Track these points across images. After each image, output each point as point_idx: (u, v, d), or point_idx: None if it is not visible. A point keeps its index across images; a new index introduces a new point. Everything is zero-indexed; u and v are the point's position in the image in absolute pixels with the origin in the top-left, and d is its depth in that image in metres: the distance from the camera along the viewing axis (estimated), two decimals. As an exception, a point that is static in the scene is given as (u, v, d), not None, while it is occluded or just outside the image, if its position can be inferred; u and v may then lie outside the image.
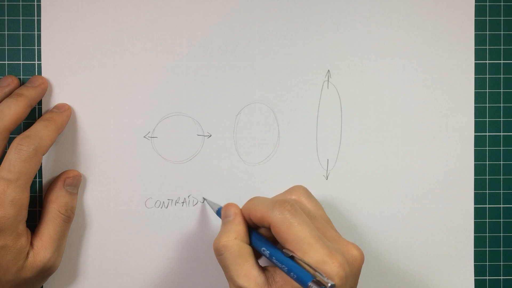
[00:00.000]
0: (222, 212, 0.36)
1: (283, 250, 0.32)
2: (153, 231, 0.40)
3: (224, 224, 0.35)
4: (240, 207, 0.35)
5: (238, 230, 0.34)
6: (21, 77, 0.39)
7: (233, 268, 0.32)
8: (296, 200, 0.35)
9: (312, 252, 0.31)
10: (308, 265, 0.30)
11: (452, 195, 0.40)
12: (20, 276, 0.35)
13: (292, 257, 0.31)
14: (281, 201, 0.33)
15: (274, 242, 0.34)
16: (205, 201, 0.40)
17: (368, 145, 0.40)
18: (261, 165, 0.40)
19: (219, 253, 0.33)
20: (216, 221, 0.40)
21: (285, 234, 0.32)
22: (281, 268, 0.32)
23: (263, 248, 0.33)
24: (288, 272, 0.31)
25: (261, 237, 0.34)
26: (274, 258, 0.32)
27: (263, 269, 0.33)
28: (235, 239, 0.33)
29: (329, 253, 0.31)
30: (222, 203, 0.40)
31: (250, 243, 0.34)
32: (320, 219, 0.34)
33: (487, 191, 0.41)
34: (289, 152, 0.40)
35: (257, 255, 0.34)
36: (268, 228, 0.33)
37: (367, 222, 0.40)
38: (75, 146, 0.39)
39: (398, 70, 0.40)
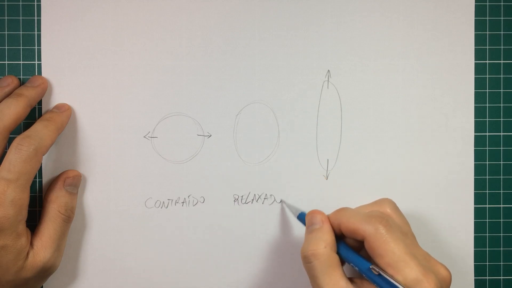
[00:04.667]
0: (307, 219, 0.36)
1: (371, 267, 0.32)
2: (153, 231, 0.40)
3: (310, 231, 0.35)
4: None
5: (326, 238, 0.34)
6: (21, 77, 0.39)
7: (322, 277, 0.32)
8: (386, 214, 0.35)
9: (408, 270, 0.31)
10: (400, 285, 0.30)
11: (452, 195, 0.40)
12: (20, 276, 0.35)
13: (381, 274, 0.31)
14: (376, 216, 0.33)
15: (357, 249, 0.34)
16: (282, 203, 0.40)
17: (368, 145, 0.40)
18: (261, 165, 0.40)
19: (308, 261, 0.33)
20: (217, 221, 0.40)
21: (380, 250, 0.32)
22: (374, 283, 0.32)
23: (354, 263, 0.33)
24: None
25: (349, 247, 0.34)
26: (366, 273, 0.32)
27: (350, 280, 0.33)
28: (325, 247, 0.33)
29: (424, 272, 0.31)
30: (223, 203, 0.40)
31: (337, 252, 0.34)
32: (410, 236, 0.34)
33: (487, 191, 0.41)
34: (289, 152, 0.40)
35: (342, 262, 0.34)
36: (360, 241, 0.33)
37: (367, 222, 0.40)
38: (75, 146, 0.39)
39: (398, 70, 0.40)
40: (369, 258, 0.33)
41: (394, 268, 0.31)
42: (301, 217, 0.37)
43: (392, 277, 0.31)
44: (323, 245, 0.33)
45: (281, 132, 0.40)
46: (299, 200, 0.40)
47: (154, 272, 0.40)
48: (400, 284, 0.30)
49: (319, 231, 0.34)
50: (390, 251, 0.31)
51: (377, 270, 0.31)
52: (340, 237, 0.35)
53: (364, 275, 0.32)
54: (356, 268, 0.33)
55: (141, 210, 0.40)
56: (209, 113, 0.40)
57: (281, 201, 0.40)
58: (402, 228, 0.34)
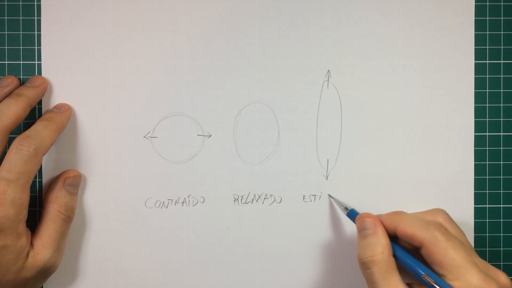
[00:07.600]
0: (359, 224, 0.36)
1: (423, 276, 0.32)
2: (153, 231, 0.40)
3: (364, 236, 0.35)
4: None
5: (382, 243, 0.34)
6: (21, 77, 0.39)
7: (381, 283, 0.32)
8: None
9: (469, 277, 0.31)
10: None
11: (452, 195, 0.40)
12: (20, 276, 0.35)
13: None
14: (435, 223, 0.33)
15: (411, 252, 0.34)
16: (331, 198, 0.40)
17: (368, 145, 0.40)
18: (261, 165, 0.40)
19: (366, 267, 0.33)
20: (217, 221, 0.40)
21: (439, 257, 0.32)
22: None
23: (410, 269, 0.33)
24: None
25: (404, 250, 0.34)
26: (422, 280, 0.32)
27: (409, 286, 0.33)
28: (382, 253, 0.33)
29: (485, 279, 0.31)
30: (223, 203, 0.40)
31: (393, 255, 0.34)
32: (467, 245, 0.34)
33: (487, 191, 0.41)
34: (289, 152, 0.40)
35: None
36: (415, 247, 0.33)
37: (367, 222, 0.40)
38: (75, 146, 0.39)
39: (398, 70, 0.40)
40: (425, 262, 0.33)
41: (455, 275, 0.31)
42: (351, 215, 0.37)
43: (448, 284, 0.31)
44: (380, 250, 0.33)
45: (281, 132, 0.40)
46: (299, 200, 0.40)
47: (154, 272, 0.40)
48: None
49: (374, 236, 0.34)
50: (450, 258, 0.31)
51: (430, 280, 0.31)
52: (393, 239, 0.35)
53: (423, 282, 0.32)
54: (416, 276, 0.33)
55: (141, 210, 0.40)
56: (209, 113, 0.40)
57: (329, 195, 0.40)
58: (459, 237, 0.34)
